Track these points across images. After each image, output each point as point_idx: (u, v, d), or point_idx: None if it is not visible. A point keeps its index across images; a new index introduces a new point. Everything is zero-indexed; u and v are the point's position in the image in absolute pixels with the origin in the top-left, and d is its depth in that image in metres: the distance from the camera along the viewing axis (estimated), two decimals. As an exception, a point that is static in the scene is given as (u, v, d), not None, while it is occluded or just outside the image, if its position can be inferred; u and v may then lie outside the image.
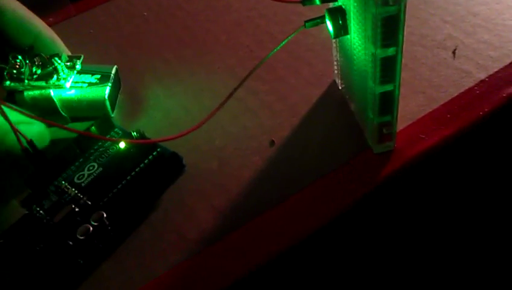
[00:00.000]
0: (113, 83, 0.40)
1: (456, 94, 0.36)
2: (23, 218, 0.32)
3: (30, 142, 0.34)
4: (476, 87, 0.36)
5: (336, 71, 0.38)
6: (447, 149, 0.33)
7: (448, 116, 0.35)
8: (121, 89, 0.42)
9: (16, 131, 0.33)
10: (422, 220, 0.39)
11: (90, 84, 0.39)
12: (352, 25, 0.30)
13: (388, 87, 0.29)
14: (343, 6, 0.31)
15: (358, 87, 0.33)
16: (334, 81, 0.39)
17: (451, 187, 0.39)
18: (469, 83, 0.36)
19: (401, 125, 0.34)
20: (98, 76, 0.40)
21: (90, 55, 0.48)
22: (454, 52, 0.39)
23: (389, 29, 0.26)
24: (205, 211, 0.33)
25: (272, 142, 0.36)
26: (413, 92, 0.37)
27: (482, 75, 0.37)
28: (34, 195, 0.34)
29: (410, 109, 0.36)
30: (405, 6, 0.26)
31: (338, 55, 0.36)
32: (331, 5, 0.33)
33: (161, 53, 0.47)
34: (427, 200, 0.38)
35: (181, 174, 0.35)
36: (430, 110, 0.35)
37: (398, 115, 0.31)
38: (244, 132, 0.37)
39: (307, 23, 0.32)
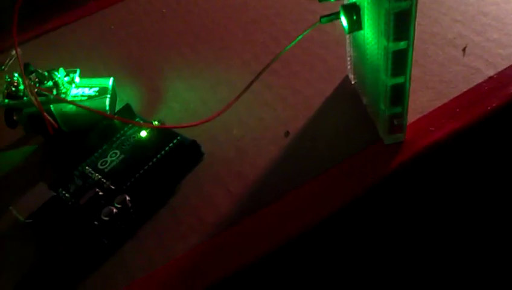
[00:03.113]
0: (111, 95, 0.40)
1: (465, 90, 0.37)
2: (50, 200, 0.34)
3: (58, 129, 0.36)
4: (484, 84, 0.37)
5: (348, 66, 0.40)
6: (455, 142, 0.35)
7: (458, 110, 0.36)
8: (141, 81, 0.44)
9: (46, 118, 0.34)
10: (431, 211, 0.40)
11: (90, 97, 0.39)
12: (365, 20, 0.32)
13: (399, 80, 0.31)
14: (357, 3, 0.32)
15: (370, 80, 0.35)
16: (347, 76, 0.41)
17: (460, 179, 0.40)
18: (478, 79, 0.38)
19: (411, 118, 0.36)
20: (96, 88, 0.40)
21: (111, 50, 0.51)
22: (464, 50, 0.40)
23: (400, 23, 0.28)
24: (223, 197, 0.34)
25: (287, 133, 0.37)
26: (424, 87, 0.38)
27: (491, 72, 0.38)
28: (60, 179, 0.36)
29: (421, 103, 0.37)
30: (417, 2, 0.27)
31: (351, 50, 0.38)
32: (345, 1, 0.34)
33: (179, 48, 0.48)
34: (436, 192, 0.39)
35: (200, 161, 0.36)
36: (440, 104, 0.37)
37: (409, 109, 0.33)
38: (260, 123, 0.39)
39: (322, 19, 0.34)
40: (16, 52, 0.35)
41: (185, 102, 0.42)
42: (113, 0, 0.58)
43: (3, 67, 0.50)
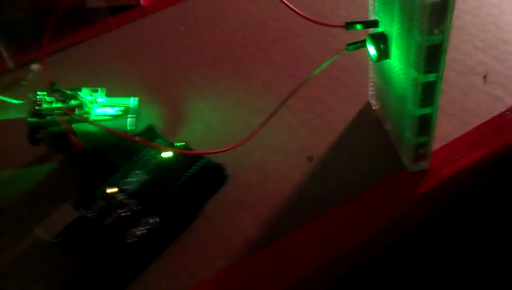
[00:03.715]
0: (135, 115, 0.40)
1: (487, 118, 0.38)
2: (76, 220, 0.34)
3: (83, 150, 0.36)
4: (507, 112, 0.38)
5: (371, 92, 0.40)
6: (479, 170, 0.35)
7: (481, 139, 0.36)
8: (162, 100, 0.45)
9: (72, 139, 0.35)
10: (458, 238, 0.40)
11: (114, 116, 0.40)
12: (393, 49, 0.32)
13: (427, 110, 0.31)
14: (385, 32, 0.33)
15: (395, 108, 0.35)
16: (368, 102, 0.41)
17: (485, 207, 0.40)
18: (500, 108, 0.38)
19: (434, 146, 0.36)
20: (120, 108, 0.40)
21: (132, 67, 0.51)
22: (485, 78, 0.41)
23: (432, 56, 0.28)
24: (248, 220, 0.34)
25: (310, 158, 0.38)
26: (446, 115, 0.38)
27: (513, 101, 0.39)
28: (83, 198, 0.36)
29: (443, 130, 0.37)
30: (449, 36, 0.27)
31: (375, 77, 0.38)
32: (372, 30, 0.35)
33: (199, 67, 0.49)
34: (461, 220, 0.39)
35: (224, 184, 0.37)
36: (463, 132, 0.37)
37: (432, 137, 0.33)
38: (283, 146, 0.39)
39: (349, 47, 0.34)
40: (46, 73, 0.35)
41: (207, 123, 0.42)
42: (131, 17, 0.58)
43: (22, 82, 0.51)
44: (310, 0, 0.53)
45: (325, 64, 0.35)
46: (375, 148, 0.37)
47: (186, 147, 0.38)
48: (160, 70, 0.50)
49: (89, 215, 0.35)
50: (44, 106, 0.39)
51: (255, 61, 0.48)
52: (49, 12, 0.56)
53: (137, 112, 0.41)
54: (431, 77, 0.29)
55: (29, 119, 0.38)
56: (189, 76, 0.48)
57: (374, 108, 0.40)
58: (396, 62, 0.32)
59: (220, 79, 0.47)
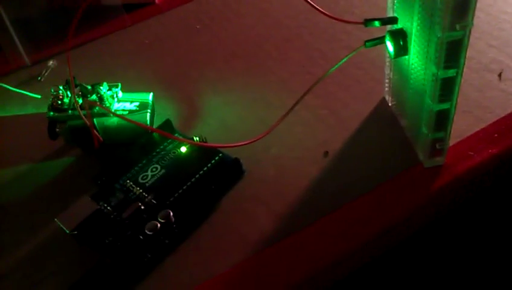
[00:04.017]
0: (151, 110, 0.41)
1: (502, 115, 0.38)
2: (94, 213, 0.34)
3: (102, 143, 0.37)
4: (523, 110, 0.38)
5: (386, 88, 0.40)
6: (495, 167, 0.35)
7: (496, 135, 0.36)
8: (177, 95, 0.45)
9: (93, 132, 0.35)
10: (473, 234, 0.40)
11: (131, 111, 0.40)
12: (412, 46, 0.33)
13: (445, 106, 0.31)
14: (404, 29, 0.33)
15: (412, 104, 0.35)
16: (384, 98, 0.41)
17: (501, 203, 0.40)
18: (516, 105, 0.38)
19: (449, 142, 0.36)
20: (137, 103, 0.41)
21: (147, 64, 0.51)
22: (500, 75, 0.41)
23: (452, 52, 0.28)
24: (264, 215, 0.35)
25: (326, 153, 0.38)
26: (461, 111, 0.38)
27: (528, 98, 0.39)
28: (102, 192, 0.37)
29: (458, 127, 0.37)
30: (470, 32, 0.28)
31: (391, 73, 0.38)
32: (390, 27, 0.35)
33: (214, 64, 0.49)
34: (476, 216, 0.39)
35: (240, 179, 0.37)
36: (478, 129, 0.37)
37: (448, 133, 0.33)
38: (299, 142, 0.39)
39: (367, 43, 0.35)
40: (70, 73, 0.36)
41: (222, 118, 0.43)
42: (146, 15, 0.59)
43: (39, 78, 0.52)
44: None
45: (343, 60, 0.35)
46: (390, 144, 0.38)
47: (202, 141, 0.38)
48: (175, 66, 0.50)
49: (107, 208, 0.36)
50: (65, 100, 0.39)
51: (270, 58, 0.49)
52: (65, 9, 0.57)
53: (153, 106, 0.42)
54: (451, 73, 0.29)
55: (49, 113, 0.39)
56: (204, 72, 0.48)
57: (389, 104, 0.40)
58: (415, 58, 0.32)
59: (235, 75, 0.47)
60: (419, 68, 0.32)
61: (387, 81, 0.40)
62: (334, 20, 0.49)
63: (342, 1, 0.54)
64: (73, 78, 0.39)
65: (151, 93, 0.42)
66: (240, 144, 0.36)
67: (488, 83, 0.41)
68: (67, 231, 0.34)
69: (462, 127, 0.38)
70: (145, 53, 0.53)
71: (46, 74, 0.52)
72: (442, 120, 0.32)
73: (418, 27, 0.31)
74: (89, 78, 0.42)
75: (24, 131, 0.45)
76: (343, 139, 0.39)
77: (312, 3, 0.36)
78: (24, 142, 0.44)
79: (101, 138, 0.37)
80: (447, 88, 0.30)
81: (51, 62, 0.53)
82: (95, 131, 0.36)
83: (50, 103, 0.39)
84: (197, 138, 0.38)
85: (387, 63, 0.39)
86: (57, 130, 0.40)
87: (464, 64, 0.29)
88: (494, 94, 0.40)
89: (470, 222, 0.39)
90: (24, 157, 0.43)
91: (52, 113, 0.39)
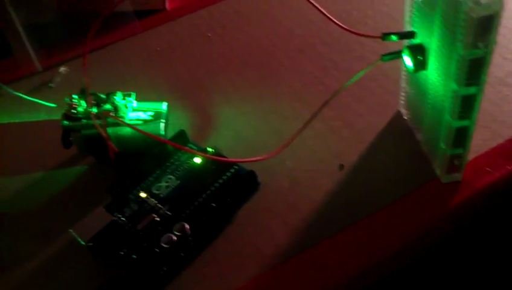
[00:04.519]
0: (166, 119, 0.41)
1: (520, 130, 0.38)
2: (110, 224, 0.34)
3: (118, 154, 0.37)
4: (541, 125, 0.37)
5: (402, 102, 0.40)
6: (512, 183, 0.35)
7: (514, 151, 0.36)
8: (190, 105, 0.45)
9: (108, 143, 0.35)
10: (490, 250, 0.40)
11: (145, 121, 0.40)
12: (430, 61, 0.32)
13: (464, 123, 0.31)
14: (423, 44, 0.33)
15: (430, 118, 0.35)
16: (398, 111, 0.41)
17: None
18: (533, 120, 0.38)
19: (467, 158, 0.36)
20: (151, 113, 0.41)
21: (159, 72, 0.51)
22: (516, 89, 0.41)
23: (474, 70, 0.28)
24: (279, 228, 0.34)
25: (341, 167, 0.38)
26: (478, 126, 0.38)
27: (545, 113, 0.38)
28: (116, 202, 0.37)
29: (475, 142, 0.37)
30: (492, 50, 0.27)
31: (407, 87, 0.38)
32: (408, 41, 0.35)
33: (227, 73, 0.49)
34: (493, 233, 0.39)
35: (256, 191, 0.37)
36: (495, 144, 0.37)
37: (465, 148, 0.33)
38: (314, 155, 0.39)
39: (384, 57, 0.34)
40: (86, 82, 0.36)
41: (236, 129, 0.43)
42: (157, 22, 0.59)
43: (50, 84, 0.51)
44: (337, 8, 0.54)
45: (360, 74, 0.35)
46: (406, 157, 0.38)
47: (217, 153, 0.38)
48: (187, 75, 0.50)
49: (121, 219, 0.35)
50: (79, 109, 0.39)
51: (282, 68, 0.48)
52: (75, 15, 0.57)
53: (167, 116, 0.42)
54: (471, 90, 0.29)
55: (64, 122, 0.39)
56: (217, 82, 0.48)
57: (404, 117, 0.40)
58: (434, 73, 0.32)
59: (248, 85, 0.47)
60: (438, 83, 0.32)
61: (403, 94, 0.40)
62: (346, 30, 0.49)
63: (355, 11, 0.53)
64: (88, 86, 0.39)
65: (166, 103, 0.42)
66: (256, 159, 0.36)
67: (505, 97, 0.41)
68: (83, 243, 0.34)
69: (478, 142, 0.37)
70: (156, 60, 0.53)
71: (57, 80, 0.52)
72: (461, 137, 0.32)
73: (438, 43, 0.30)
74: (100, 85, 0.42)
75: (37, 138, 0.45)
76: (358, 151, 0.39)
77: (327, 14, 0.35)
78: (37, 150, 0.44)
79: (116, 149, 0.36)
80: (467, 105, 0.30)
81: (62, 68, 0.53)
82: (110, 142, 0.36)
83: (64, 111, 0.39)
84: (212, 149, 0.38)
85: (403, 76, 0.39)
86: (71, 139, 0.40)
87: (485, 81, 0.29)
88: (511, 108, 0.40)
89: (487, 237, 0.39)
90: (37, 165, 0.42)
91: (66, 122, 0.39)
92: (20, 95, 0.46)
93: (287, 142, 0.36)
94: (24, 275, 0.35)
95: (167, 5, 0.61)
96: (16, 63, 0.54)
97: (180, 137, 0.40)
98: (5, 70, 0.54)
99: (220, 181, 0.36)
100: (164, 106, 0.42)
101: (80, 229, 0.34)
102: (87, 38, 0.34)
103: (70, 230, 0.34)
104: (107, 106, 0.39)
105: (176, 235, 0.33)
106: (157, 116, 0.41)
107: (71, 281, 0.34)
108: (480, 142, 0.37)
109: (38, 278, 0.34)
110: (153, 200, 0.36)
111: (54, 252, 0.36)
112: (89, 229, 0.34)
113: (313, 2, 0.37)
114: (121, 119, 0.38)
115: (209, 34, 0.55)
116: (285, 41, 0.52)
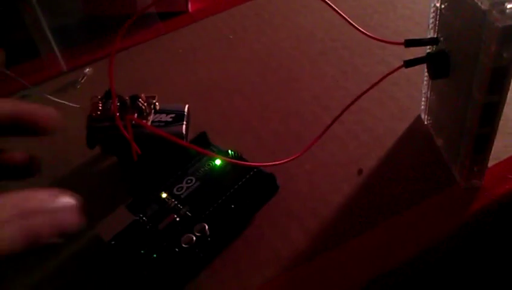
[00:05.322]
0: (187, 121, 0.41)
1: (542, 137, 0.37)
2: (132, 224, 0.35)
3: (140, 155, 0.37)
4: None
5: (423, 107, 0.40)
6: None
7: (535, 158, 0.36)
8: (210, 107, 0.46)
9: (132, 145, 0.36)
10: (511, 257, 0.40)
11: (167, 123, 0.41)
12: (453, 68, 0.32)
13: (486, 130, 0.31)
14: (446, 51, 0.33)
15: (450, 125, 0.35)
16: (419, 116, 0.41)
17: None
18: (555, 127, 0.38)
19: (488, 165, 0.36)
20: (173, 115, 0.41)
21: (181, 73, 0.52)
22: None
23: (497, 79, 0.28)
24: (298, 232, 0.35)
25: (360, 171, 0.38)
26: (499, 133, 0.38)
27: None
28: (137, 202, 0.38)
29: (496, 148, 0.37)
30: (516, 59, 0.27)
31: (429, 93, 0.38)
32: (430, 48, 0.35)
33: (248, 76, 0.50)
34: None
35: (275, 194, 0.37)
36: (516, 151, 0.37)
37: (485, 155, 0.33)
38: (333, 158, 0.39)
39: (407, 64, 0.34)
40: (111, 85, 0.36)
41: (257, 132, 0.43)
42: (179, 24, 0.60)
43: (76, 85, 0.53)
44: (358, 11, 0.54)
45: (381, 80, 0.35)
46: (426, 163, 0.37)
47: (238, 156, 0.39)
48: (208, 77, 0.51)
49: (143, 218, 0.36)
50: (104, 110, 0.40)
51: (303, 72, 0.49)
52: (101, 18, 0.58)
53: (188, 118, 0.42)
54: (494, 99, 0.29)
55: (89, 122, 0.40)
56: (238, 84, 0.49)
57: (425, 122, 0.40)
58: (456, 80, 0.32)
59: (269, 88, 0.48)
60: (460, 90, 0.32)
61: (423, 99, 0.40)
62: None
63: (376, 15, 0.53)
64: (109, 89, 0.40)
65: (187, 105, 0.43)
66: (276, 163, 0.36)
67: (526, 104, 0.40)
68: (106, 241, 0.34)
69: (499, 149, 0.37)
70: (179, 62, 0.54)
71: (82, 80, 0.53)
72: (482, 144, 0.32)
73: (461, 50, 0.30)
74: (123, 87, 0.43)
75: (61, 138, 0.46)
76: (377, 156, 0.39)
77: (349, 19, 0.36)
78: (61, 149, 0.45)
79: (139, 150, 0.37)
80: (488, 114, 0.30)
81: (87, 69, 0.54)
82: (134, 143, 0.37)
83: (89, 112, 0.40)
84: (232, 152, 0.38)
85: (425, 82, 0.38)
86: (96, 139, 0.40)
87: (508, 90, 0.29)
88: (533, 115, 0.39)
89: (506, 245, 0.38)
90: (61, 164, 0.44)
91: (91, 122, 0.39)
92: (51, 97, 0.47)
93: (307, 146, 0.36)
94: (45, 274, 0.35)
95: (189, 7, 0.62)
96: (42, 65, 0.55)
97: (202, 139, 0.41)
98: (32, 71, 0.55)
99: (240, 183, 0.37)
100: (186, 108, 0.42)
101: (103, 228, 0.35)
102: (116, 42, 0.35)
103: (93, 229, 0.35)
104: (132, 108, 0.40)
105: (195, 235, 0.34)
106: (178, 118, 0.41)
107: (92, 280, 0.35)
108: (501, 149, 0.37)
109: (59, 276, 0.35)
110: (173, 201, 0.37)
111: (76, 250, 0.37)
112: (111, 228, 0.35)
113: (334, 6, 0.37)
114: (144, 121, 0.39)
115: (231, 36, 0.56)
116: (306, 45, 0.52)
